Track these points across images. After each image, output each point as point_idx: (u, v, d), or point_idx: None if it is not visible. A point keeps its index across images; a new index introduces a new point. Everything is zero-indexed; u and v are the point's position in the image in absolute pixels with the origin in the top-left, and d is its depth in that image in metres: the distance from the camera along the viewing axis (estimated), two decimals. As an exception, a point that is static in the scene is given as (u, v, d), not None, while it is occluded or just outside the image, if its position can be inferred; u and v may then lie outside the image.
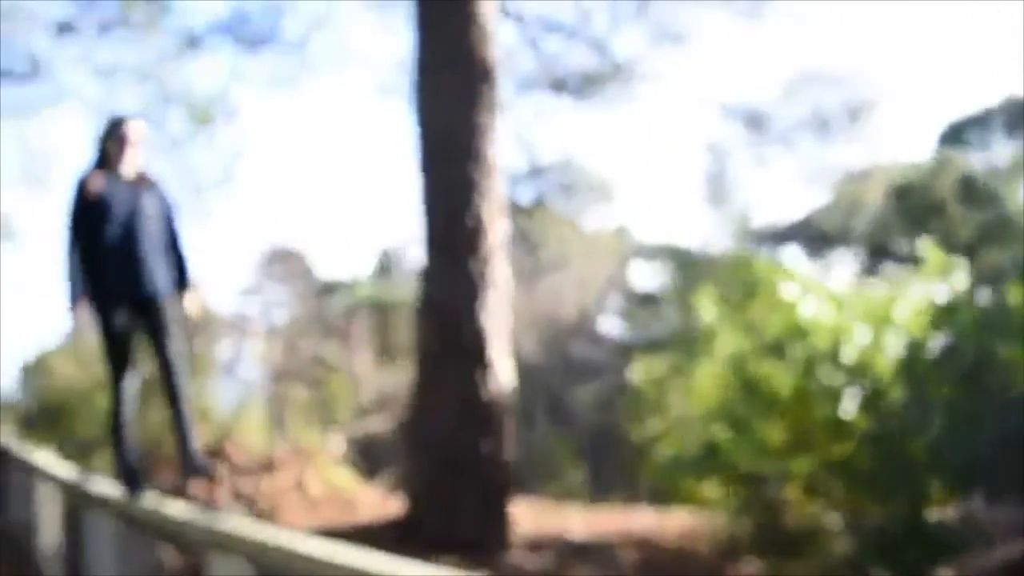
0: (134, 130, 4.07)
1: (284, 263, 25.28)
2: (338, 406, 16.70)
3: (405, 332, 25.72)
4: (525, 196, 17.15)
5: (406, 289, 30.70)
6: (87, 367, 17.69)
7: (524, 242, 24.66)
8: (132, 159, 4.04)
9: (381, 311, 25.13)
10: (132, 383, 4.00)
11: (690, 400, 8.17)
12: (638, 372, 9.12)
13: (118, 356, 3.93)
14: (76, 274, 3.84)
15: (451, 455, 7.30)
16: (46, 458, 6.50)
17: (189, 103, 20.79)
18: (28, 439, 12.23)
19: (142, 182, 4.07)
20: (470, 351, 7.38)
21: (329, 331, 18.49)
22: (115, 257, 3.89)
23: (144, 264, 3.92)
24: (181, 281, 4.10)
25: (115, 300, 3.87)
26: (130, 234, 3.92)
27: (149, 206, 4.02)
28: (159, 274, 3.98)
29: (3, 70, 20.69)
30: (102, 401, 14.79)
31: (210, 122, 20.20)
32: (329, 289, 21.46)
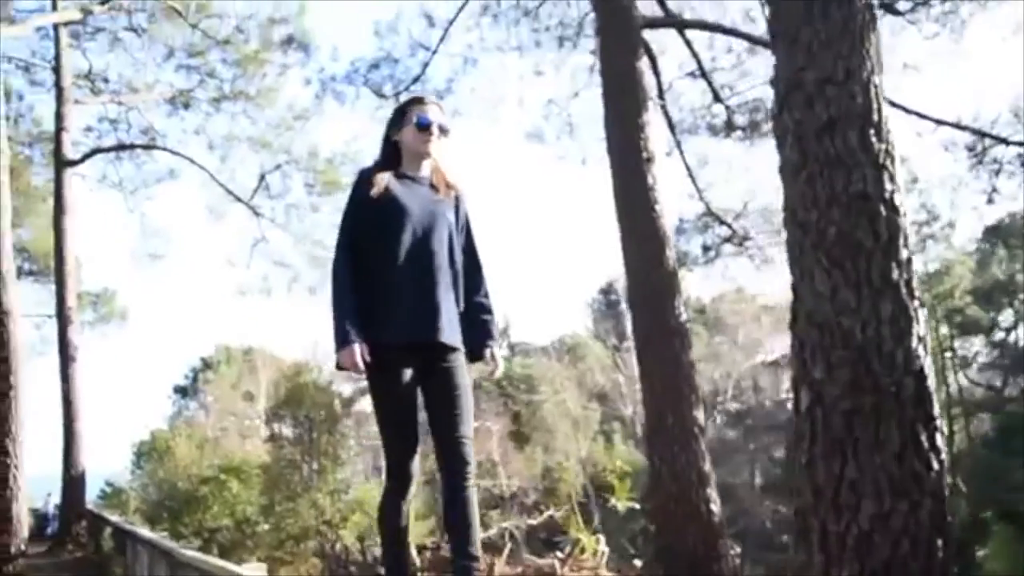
0: (436, 114, 3.10)
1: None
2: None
3: (534, 410, 23.32)
4: (693, 248, 14.90)
5: (522, 360, 28.40)
6: (205, 449, 15.49)
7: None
8: (433, 154, 3.08)
9: (499, 386, 22.70)
10: (416, 465, 3.03)
11: None
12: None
13: (403, 423, 2.97)
14: (350, 302, 2.86)
15: (892, 553, 4.83)
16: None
17: (312, 167, 19.13)
18: (155, 530, 10.19)
19: (444, 188, 3.11)
20: (908, 402, 4.98)
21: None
22: (398, 286, 2.94)
23: (437, 300, 2.98)
24: (480, 331, 3.14)
25: (395, 344, 2.91)
26: (422, 257, 2.98)
27: (449, 223, 3.07)
28: (453, 317, 3.05)
29: (119, 143, 19.32)
30: (235, 487, 12.54)
31: (335, 185, 18.48)
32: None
